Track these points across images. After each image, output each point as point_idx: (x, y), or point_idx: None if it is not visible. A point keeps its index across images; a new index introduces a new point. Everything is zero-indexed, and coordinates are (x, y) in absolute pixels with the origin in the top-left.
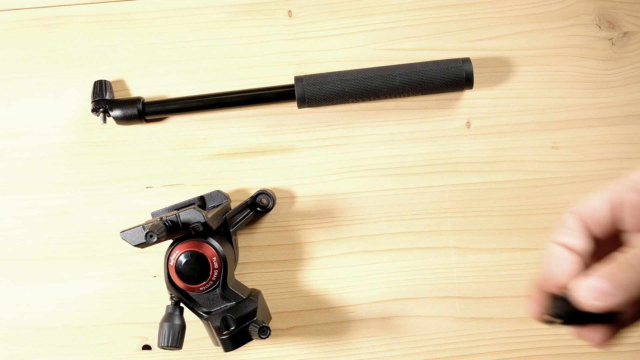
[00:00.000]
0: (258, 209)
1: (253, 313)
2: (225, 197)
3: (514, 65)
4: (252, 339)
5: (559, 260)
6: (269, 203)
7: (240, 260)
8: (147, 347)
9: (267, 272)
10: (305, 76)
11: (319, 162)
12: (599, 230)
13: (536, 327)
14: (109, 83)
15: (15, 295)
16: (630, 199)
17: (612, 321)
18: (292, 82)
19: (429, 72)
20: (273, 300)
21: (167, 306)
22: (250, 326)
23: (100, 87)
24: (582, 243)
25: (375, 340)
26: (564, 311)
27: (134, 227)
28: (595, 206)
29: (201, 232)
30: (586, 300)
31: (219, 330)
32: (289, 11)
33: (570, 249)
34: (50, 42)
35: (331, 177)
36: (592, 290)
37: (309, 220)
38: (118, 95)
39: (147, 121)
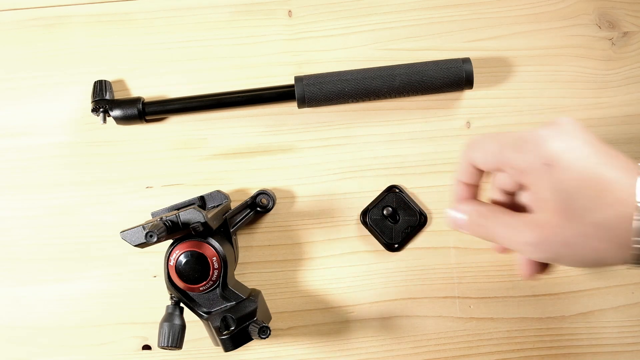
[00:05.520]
0: (258, 209)
1: (253, 313)
2: (225, 197)
3: (514, 65)
4: (252, 339)
5: (456, 190)
6: (269, 203)
7: (240, 260)
8: (147, 347)
9: (267, 272)
10: (305, 76)
11: (319, 162)
12: (488, 167)
13: (536, 327)
14: (109, 83)
15: (15, 295)
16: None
17: None
18: (292, 82)
19: (429, 72)
20: (273, 300)
21: (167, 306)
22: (250, 326)
23: (100, 87)
24: (469, 179)
25: (375, 340)
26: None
27: (134, 227)
28: (488, 150)
29: (201, 232)
30: (447, 222)
31: (219, 330)
32: (289, 11)
33: (462, 183)
34: (51, 42)
35: (331, 177)
36: (450, 218)
37: (309, 220)
38: (118, 95)
39: (147, 121)
